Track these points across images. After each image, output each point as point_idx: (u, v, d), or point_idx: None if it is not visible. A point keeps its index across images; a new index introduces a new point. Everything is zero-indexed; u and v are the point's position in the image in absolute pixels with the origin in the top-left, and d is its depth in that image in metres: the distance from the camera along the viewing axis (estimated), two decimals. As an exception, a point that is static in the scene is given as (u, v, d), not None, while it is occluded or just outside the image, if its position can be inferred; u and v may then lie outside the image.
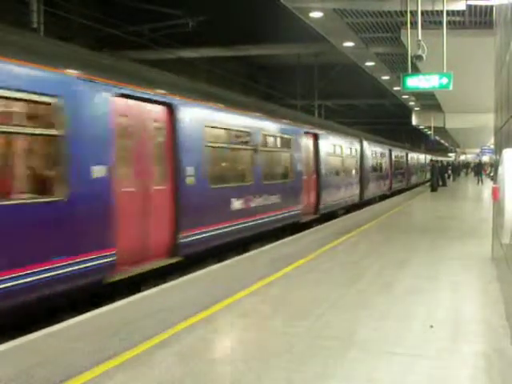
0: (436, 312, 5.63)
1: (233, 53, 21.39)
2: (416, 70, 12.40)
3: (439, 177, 30.04)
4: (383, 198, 24.53)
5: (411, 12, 10.37)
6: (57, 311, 6.11)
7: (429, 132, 40.95)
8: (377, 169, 23.87)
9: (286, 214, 12.22)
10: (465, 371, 4.12)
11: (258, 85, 27.50)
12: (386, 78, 21.30)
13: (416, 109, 31.94)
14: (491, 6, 10.45)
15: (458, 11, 11.41)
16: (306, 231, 12.52)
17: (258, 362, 4.25)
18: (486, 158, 53.93)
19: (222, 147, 9.84)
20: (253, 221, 10.50)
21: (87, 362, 4.22)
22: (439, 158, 47.94)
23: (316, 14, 12.19)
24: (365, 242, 10.55)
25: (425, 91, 14.96)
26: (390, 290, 6.59)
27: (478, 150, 65.59)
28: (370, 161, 22.07)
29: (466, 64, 14.20)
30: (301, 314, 5.53)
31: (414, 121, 33.85)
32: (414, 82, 10.73)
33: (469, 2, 10.75)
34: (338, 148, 17.22)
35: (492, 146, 26.76)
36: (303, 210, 13.33)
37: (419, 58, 9.99)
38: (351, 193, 18.89)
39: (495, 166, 8.63)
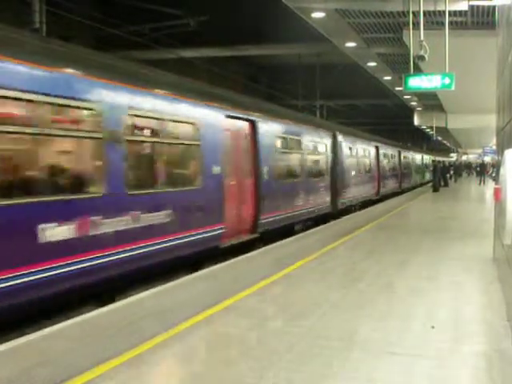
0: (437, 312, 5.63)
1: (233, 53, 21.40)
2: (418, 71, 12.38)
3: (441, 177, 30.03)
4: (368, 204, 20.71)
5: (413, 12, 10.36)
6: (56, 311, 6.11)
7: (431, 132, 40.94)
8: (359, 169, 19.99)
9: (188, 239, 8.11)
10: (466, 371, 4.11)
11: (258, 85, 27.51)
12: (387, 78, 21.29)
13: (418, 109, 31.93)
14: (493, 7, 10.43)
15: (460, 12, 11.40)
16: (307, 232, 12.49)
17: (258, 361, 4.24)
18: (487, 159, 53.90)
19: (15, 132, 5.53)
20: (106, 257, 6.46)
21: (88, 362, 4.21)
22: (440, 159, 47.66)
23: (318, 14, 12.19)
24: (366, 243, 10.54)
25: (427, 91, 14.99)
26: (391, 290, 6.58)
27: (479, 151, 65.58)
28: (347, 160, 18.08)
29: (468, 64, 14.18)
30: (302, 314, 5.52)
31: (416, 121, 33.85)
32: (416, 83, 10.72)
33: (471, 3, 10.73)
34: (293, 142, 13.23)
35: (494, 147, 26.74)
36: (228, 229, 9.39)
37: (421, 58, 9.98)
38: (318, 200, 14.80)
39: (497, 166, 8.62)
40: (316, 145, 15.09)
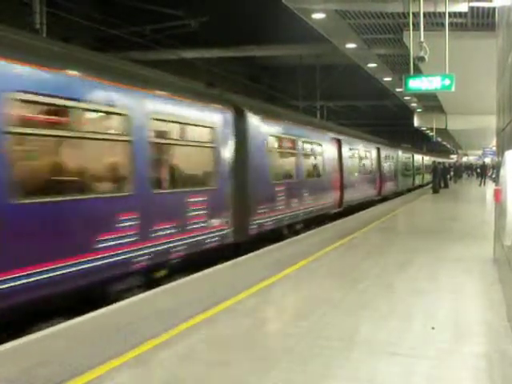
0: (437, 313, 5.63)
1: (235, 54, 21.44)
2: (418, 72, 12.39)
3: (441, 178, 30.04)
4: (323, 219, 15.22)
5: (413, 14, 10.37)
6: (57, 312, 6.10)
7: (430, 134, 40.94)
8: (300, 172, 13.63)
9: None
10: (466, 372, 4.11)
11: (259, 86, 27.53)
12: (388, 79, 21.30)
13: (418, 110, 31.94)
14: (493, 8, 10.44)
15: (460, 13, 11.41)
16: (307, 232, 12.47)
17: (259, 362, 4.24)
18: (487, 160, 53.92)
19: None
20: None
21: (88, 362, 4.21)
22: (440, 160, 47.49)
23: (318, 15, 12.19)
24: (366, 244, 10.54)
25: (427, 92, 15.00)
26: (392, 290, 6.58)
27: (480, 152, 65.60)
28: (273, 157, 11.99)
29: (468, 66, 14.19)
30: (302, 315, 5.52)
31: (416, 122, 33.86)
32: (416, 84, 10.72)
33: (471, 4, 10.74)
34: (102, 121, 6.99)
35: (494, 148, 26.73)
36: None
37: (421, 59, 9.99)
38: (189, 229, 8.22)
39: (497, 167, 8.63)
40: (184, 129, 8.72)
